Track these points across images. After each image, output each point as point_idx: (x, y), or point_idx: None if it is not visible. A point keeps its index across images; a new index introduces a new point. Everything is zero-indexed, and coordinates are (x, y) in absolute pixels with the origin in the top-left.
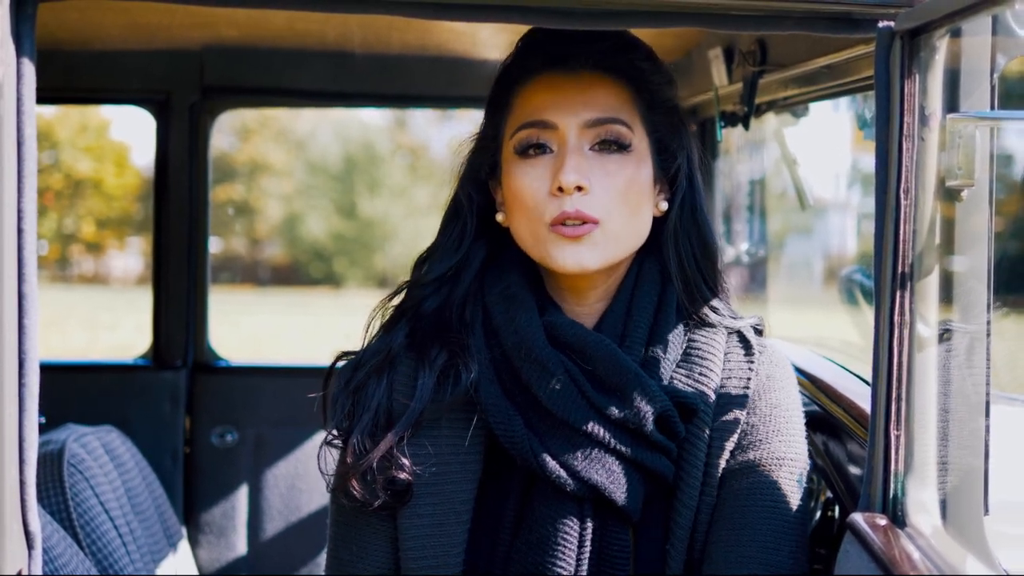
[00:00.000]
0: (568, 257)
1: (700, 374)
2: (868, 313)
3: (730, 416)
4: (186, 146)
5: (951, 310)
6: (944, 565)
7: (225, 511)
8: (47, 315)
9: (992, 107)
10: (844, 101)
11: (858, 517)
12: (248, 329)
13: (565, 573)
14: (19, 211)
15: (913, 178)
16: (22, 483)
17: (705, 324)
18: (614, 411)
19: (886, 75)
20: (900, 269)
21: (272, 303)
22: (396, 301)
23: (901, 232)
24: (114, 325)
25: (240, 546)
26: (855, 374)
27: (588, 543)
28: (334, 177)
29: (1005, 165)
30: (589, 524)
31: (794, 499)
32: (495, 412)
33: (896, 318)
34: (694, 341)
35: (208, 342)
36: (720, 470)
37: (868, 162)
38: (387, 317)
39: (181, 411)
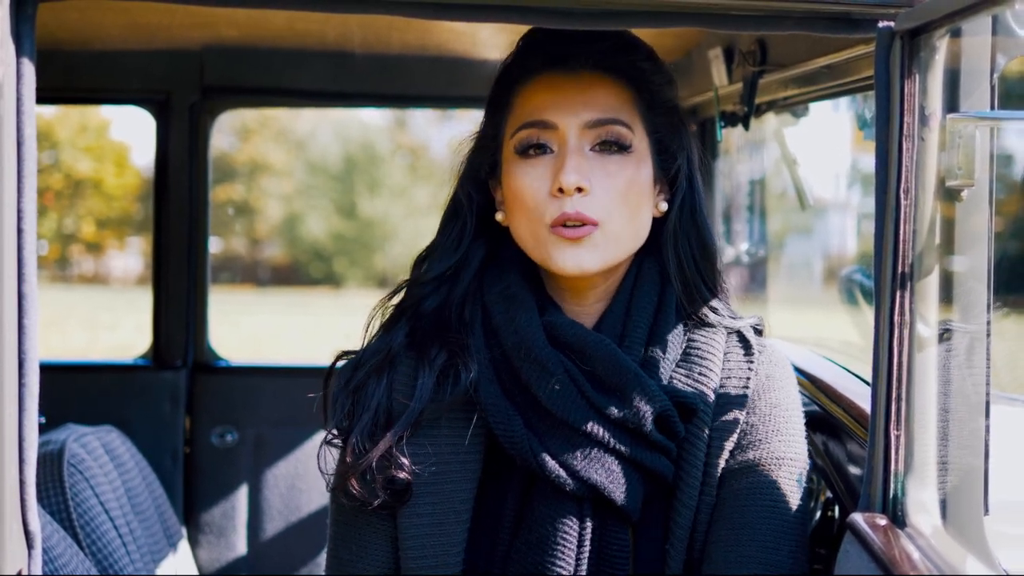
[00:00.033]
0: (568, 259)
1: (700, 374)
2: (868, 313)
3: (730, 416)
4: (186, 146)
5: (951, 310)
6: (944, 565)
7: (225, 511)
8: (47, 315)
9: (992, 107)
10: (844, 101)
11: (858, 517)
12: (248, 329)
13: (564, 573)
14: (19, 211)
15: (913, 178)
16: (22, 483)
17: (704, 324)
18: (614, 411)
19: (886, 75)
20: (900, 269)
21: (272, 303)
22: (396, 300)
23: (901, 232)
24: (114, 325)
25: (240, 546)
26: (855, 374)
27: (587, 543)
28: (334, 177)
29: (1005, 165)
30: (588, 524)
31: (794, 499)
32: (495, 412)
33: (896, 318)
34: (694, 341)
35: (208, 342)
36: (720, 470)
37: (868, 162)
38: (387, 316)
39: (181, 411)
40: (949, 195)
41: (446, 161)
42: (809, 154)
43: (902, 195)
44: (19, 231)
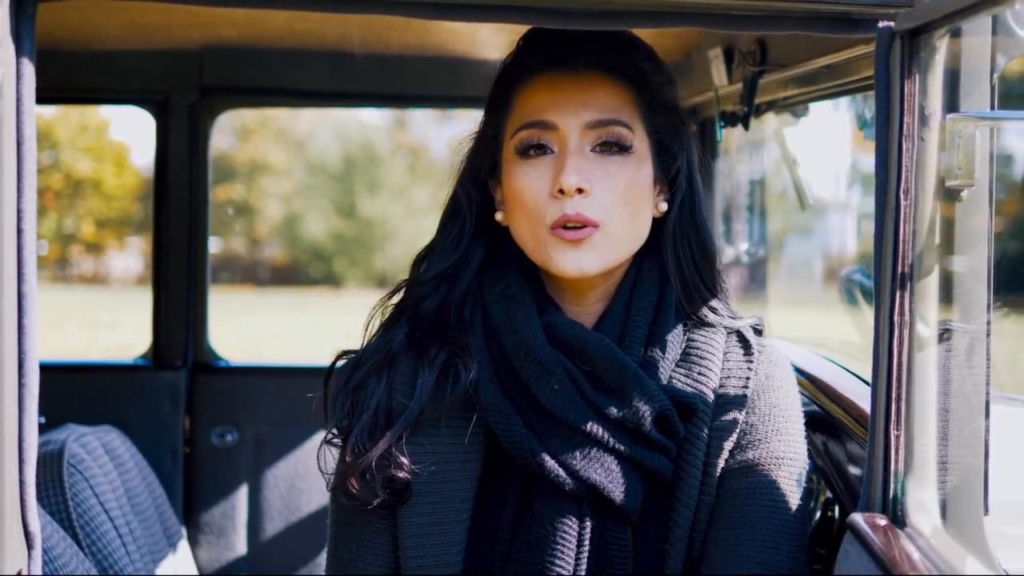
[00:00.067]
0: (568, 262)
1: (699, 374)
2: (868, 313)
3: (729, 416)
4: (186, 146)
5: (951, 310)
6: (944, 565)
7: (225, 511)
8: (47, 315)
9: (992, 107)
10: (844, 101)
11: (858, 517)
12: (248, 329)
13: (564, 572)
14: (19, 211)
15: (913, 178)
16: (22, 483)
17: (704, 324)
18: (613, 411)
19: (886, 75)
20: (900, 269)
21: (272, 303)
22: (395, 300)
23: (901, 232)
24: (114, 325)
25: (240, 546)
26: (855, 374)
27: (587, 542)
28: (334, 177)
29: (1005, 165)
30: (588, 523)
31: (793, 499)
32: (494, 412)
33: (896, 318)
34: (693, 341)
35: (208, 342)
36: (719, 469)
37: (868, 162)
38: (386, 316)
39: (181, 411)
40: (949, 195)
41: (446, 161)
42: (809, 154)
43: (902, 195)
44: (19, 231)
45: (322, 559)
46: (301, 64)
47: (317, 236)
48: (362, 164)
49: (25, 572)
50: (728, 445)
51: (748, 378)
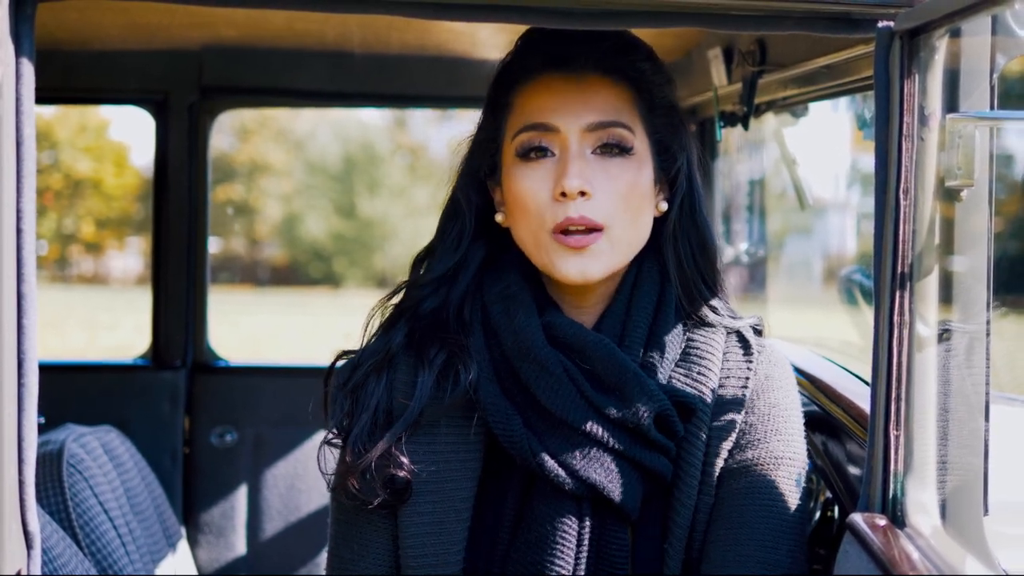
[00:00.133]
0: (572, 267)
1: (699, 374)
2: (868, 313)
3: (728, 416)
4: (185, 146)
5: (951, 310)
6: (944, 565)
7: (224, 511)
8: (46, 315)
9: (992, 107)
10: (844, 101)
11: (857, 517)
12: (247, 329)
13: (564, 571)
14: (18, 211)
15: (913, 178)
16: (21, 483)
17: (704, 324)
18: (613, 410)
19: (885, 75)
20: (900, 269)
21: (271, 303)
22: (395, 301)
23: (900, 232)
24: (113, 325)
25: (239, 546)
26: (855, 374)
27: (587, 542)
28: (333, 177)
29: (1005, 165)
30: (588, 523)
31: (792, 498)
32: (494, 411)
33: (896, 318)
34: (693, 341)
35: (207, 342)
36: (718, 469)
37: (868, 162)
38: (386, 317)
39: (180, 411)
40: (949, 195)
41: (446, 161)
42: (809, 154)
43: (901, 195)
44: (18, 231)
45: (322, 559)
46: (301, 64)
47: (317, 236)
48: (362, 164)
49: (24, 572)
50: (727, 445)
51: (748, 378)
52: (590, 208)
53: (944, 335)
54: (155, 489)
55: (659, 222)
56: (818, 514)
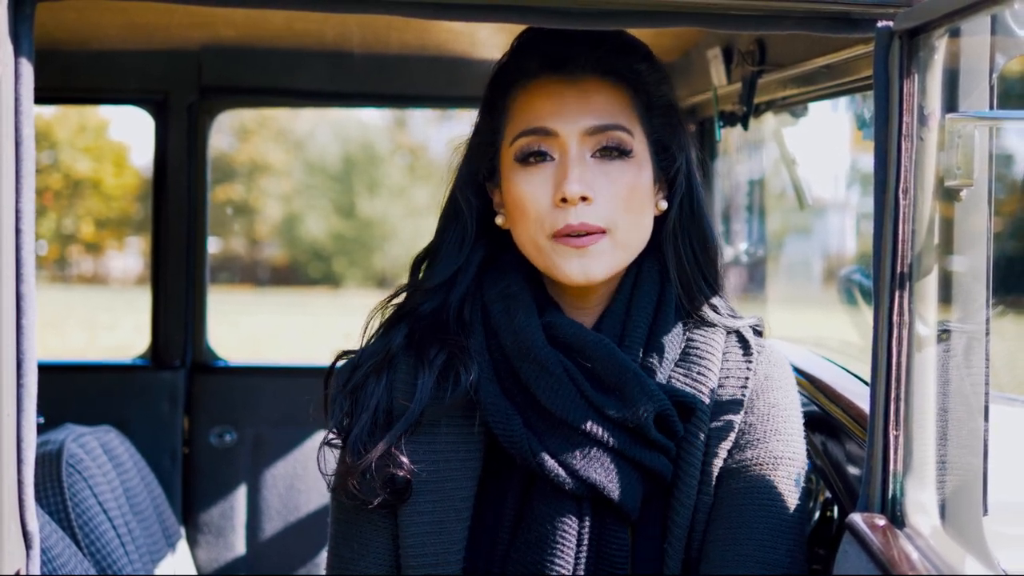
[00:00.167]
0: (574, 268)
1: (699, 373)
2: (867, 313)
3: (728, 415)
4: (185, 146)
5: (950, 310)
6: (943, 565)
7: (224, 511)
8: (46, 315)
9: (991, 107)
10: (843, 101)
11: (857, 517)
12: (247, 329)
13: (564, 571)
14: (17, 211)
15: (912, 178)
16: (20, 483)
17: (704, 324)
18: (613, 410)
19: (885, 75)
20: (899, 269)
21: (271, 303)
22: (395, 303)
23: (900, 232)
24: (113, 325)
25: (239, 546)
26: (854, 374)
27: (586, 542)
28: (333, 177)
29: (1005, 165)
30: (587, 523)
31: (791, 498)
32: (494, 411)
33: (895, 318)
34: (693, 341)
35: (207, 342)
36: (718, 469)
37: (867, 162)
38: (386, 317)
39: (180, 411)
40: (948, 195)
41: (445, 161)
42: (808, 154)
43: (901, 195)
44: (18, 231)
45: (321, 559)
46: (300, 64)
47: (316, 236)
48: (362, 164)
49: (23, 572)
50: (727, 445)
51: (747, 378)
52: (591, 213)
53: (943, 335)
54: (154, 489)
55: (659, 221)
56: (817, 514)
